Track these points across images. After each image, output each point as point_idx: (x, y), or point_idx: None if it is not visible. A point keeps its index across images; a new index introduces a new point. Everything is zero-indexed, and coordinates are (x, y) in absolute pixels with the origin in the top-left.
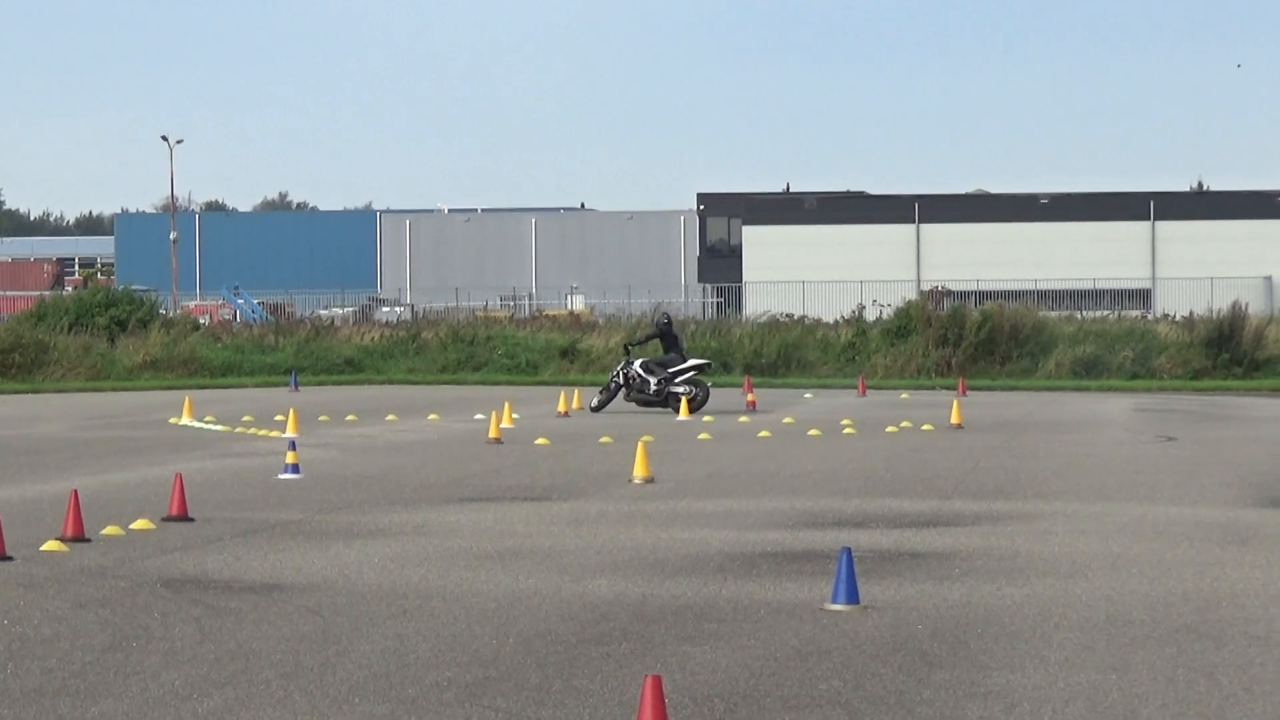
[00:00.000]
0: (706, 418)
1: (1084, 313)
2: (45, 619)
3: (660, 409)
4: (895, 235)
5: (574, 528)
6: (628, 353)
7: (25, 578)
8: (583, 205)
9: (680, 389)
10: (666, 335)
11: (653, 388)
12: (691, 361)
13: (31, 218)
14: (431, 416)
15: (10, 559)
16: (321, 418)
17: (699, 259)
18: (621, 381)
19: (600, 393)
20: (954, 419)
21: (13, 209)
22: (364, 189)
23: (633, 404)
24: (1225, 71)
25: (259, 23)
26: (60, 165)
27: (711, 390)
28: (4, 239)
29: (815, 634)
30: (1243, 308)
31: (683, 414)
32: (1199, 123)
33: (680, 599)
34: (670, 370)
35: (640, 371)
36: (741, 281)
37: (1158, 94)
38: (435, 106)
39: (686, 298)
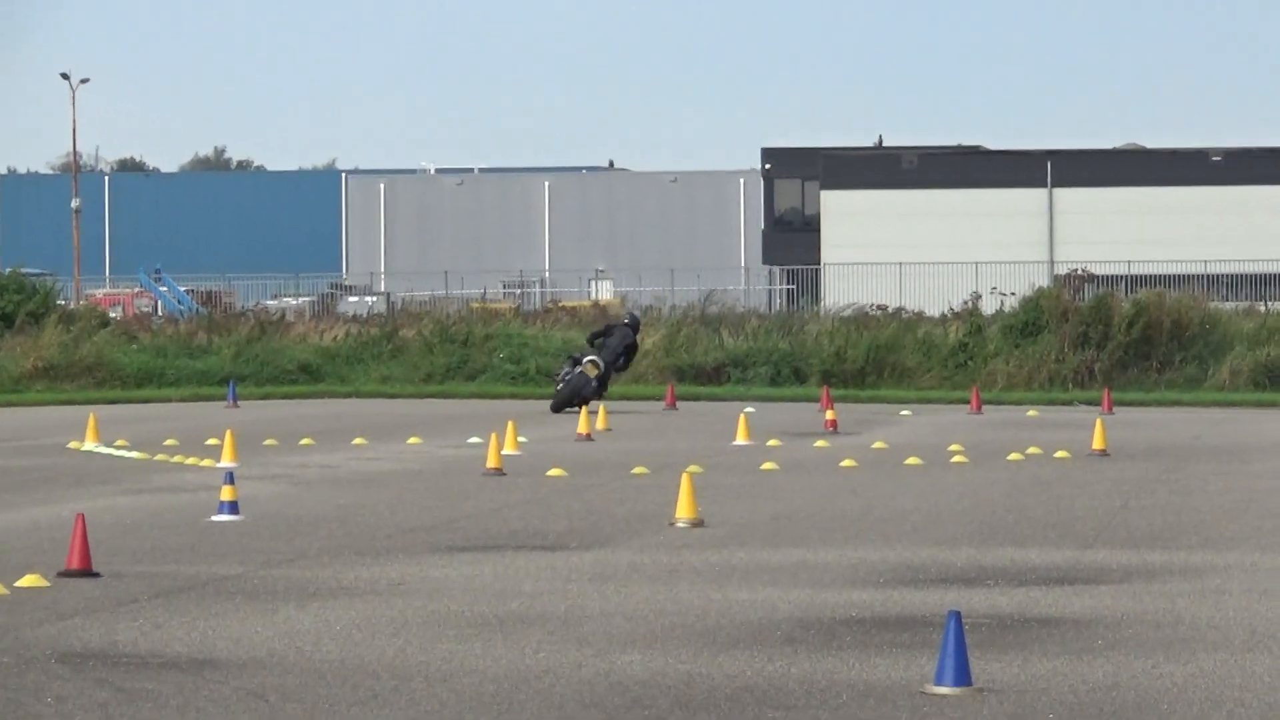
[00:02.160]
0: (773, 441)
1: (1270, 304)
2: None
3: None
4: (1021, 203)
5: (598, 585)
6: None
7: None
8: (611, 164)
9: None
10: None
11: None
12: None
13: None
14: (412, 440)
15: None
16: (268, 441)
17: (764, 233)
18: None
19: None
20: (1097, 443)
21: None
22: (326, 143)
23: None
24: None
25: None
26: None
27: (782, 404)
28: None
29: None
30: None
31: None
32: None
33: (737, 679)
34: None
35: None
36: (819, 263)
37: None
38: (418, 35)
39: (748, 283)
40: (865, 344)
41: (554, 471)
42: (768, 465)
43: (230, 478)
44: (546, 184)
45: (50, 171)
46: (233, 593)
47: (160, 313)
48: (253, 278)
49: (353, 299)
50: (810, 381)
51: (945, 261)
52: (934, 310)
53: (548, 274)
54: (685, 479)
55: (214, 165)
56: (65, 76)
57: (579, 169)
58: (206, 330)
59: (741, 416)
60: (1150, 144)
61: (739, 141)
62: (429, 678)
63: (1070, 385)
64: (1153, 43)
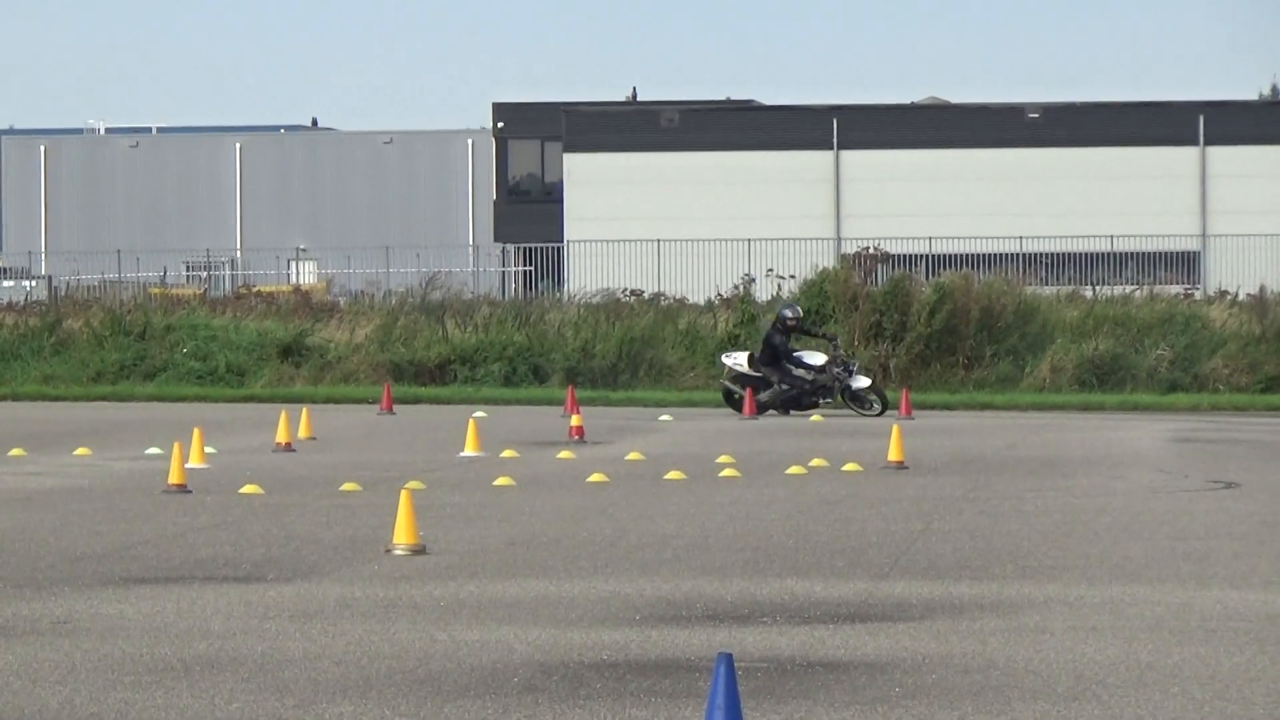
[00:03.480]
0: (508, 452)
1: (1097, 288)
2: None
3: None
4: (803, 168)
5: (301, 624)
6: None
7: None
8: (315, 123)
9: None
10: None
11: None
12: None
13: None
14: (80, 451)
15: None
16: None
17: (495, 204)
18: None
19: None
20: (893, 454)
21: None
22: None
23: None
24: None
25: None
26: None
27: (518, 408)
28: None
29: None
30: None
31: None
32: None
33: None
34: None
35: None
36: (561, 239)
37: None
38: None
39: (477, 264)
40: (617, 337)
41: (248, 488)
42: (502, 480)
43: None
44: (238, 145)
45: None
46: None
47: None
48: None
49: (7, 284)
50: (552, 381)
51: (712, 238)
52: (699, 296)
53: (239, 254)
54: (404, 497)
55: None
56: None
57: (276, 128)
58: None
59: (471, 422)
60: (954, 98)
61: (465, 96)
62: None
63: None
64: None
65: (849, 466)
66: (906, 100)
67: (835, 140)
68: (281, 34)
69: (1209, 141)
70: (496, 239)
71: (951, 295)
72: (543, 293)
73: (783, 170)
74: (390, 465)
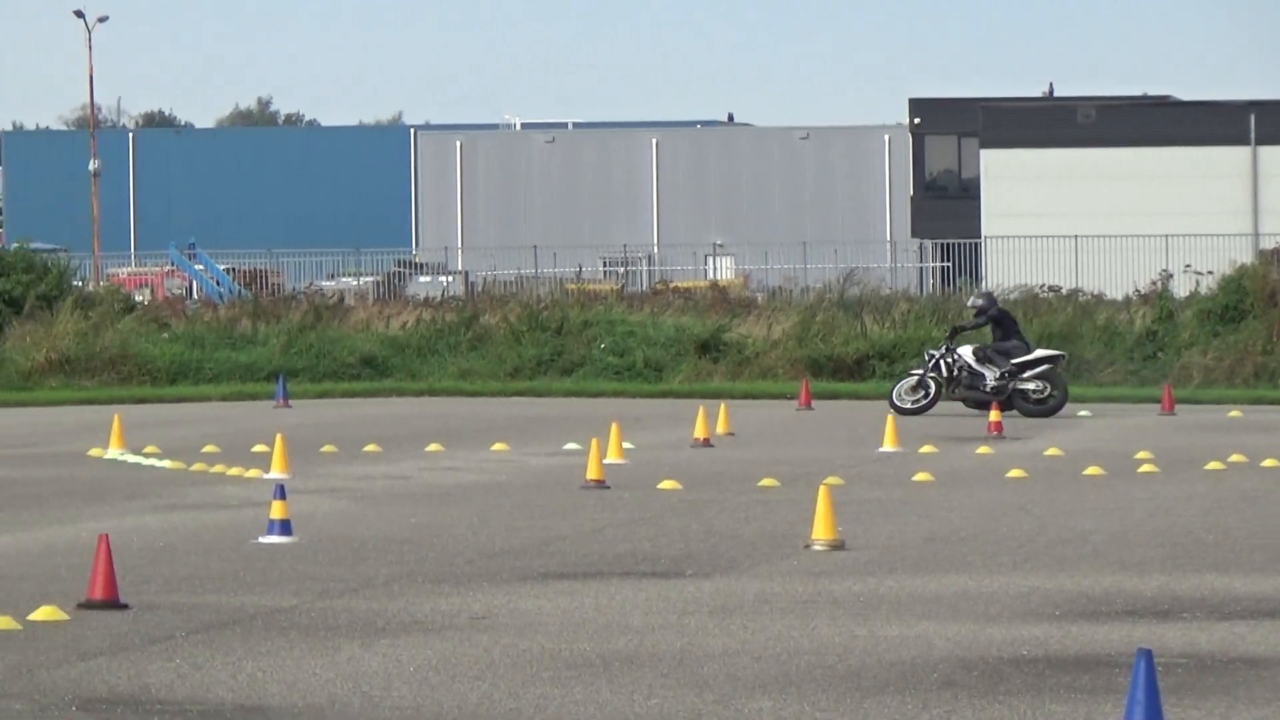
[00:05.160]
0: (926, 448)
1: None
2: None
3: (987, 410)
4: (1219, 163)
5: (720, 619)
6: (951, 338)
7: None
8: (730, 118)
9: (1030, 385)
10: (1003, 320)
11: (990, 382)
12: (1040, 352)
13: None
14: (497, 446)
15: None
16: (325, 448)
17: (912, 200)
18: (945, 373)
19: (913, 389)
20: None
21: None
22: (391, 94)
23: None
24: None
25: None
26: None
27: (936, 405)
28: None
29: None
30: None
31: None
32: None
33: None
34: (1015, 361)
35: (971, 361)
36: (979, 235)
37: None
38: None
39: (894, 260)
40: (1035, 332)
41: (666, 484)
42: (920, 476)
43: (281, 492)
44: (654, 141)
45: (64, 127)
46: (285, 628)
47: (196, 296)
48: (305, 254)
49: (424, 279)
50: None
51: (1129, 234)
52: (1116, 292)
53: (656, 249)
54: (823, 493)
55: (258, 120)
56: (80, 15)
57: (693, 124)
58: (251, 316)
59: (889, 418)
60: None
61: (882, 91)
62: None
63: None
64: None
65: (1268, 462)
66: None
67: (1252, 135)
68: (697, 30)
69: None
70: (913, 235)
71: None
72: (960, 289)
73: (1198, 165)
74: (809, 461)
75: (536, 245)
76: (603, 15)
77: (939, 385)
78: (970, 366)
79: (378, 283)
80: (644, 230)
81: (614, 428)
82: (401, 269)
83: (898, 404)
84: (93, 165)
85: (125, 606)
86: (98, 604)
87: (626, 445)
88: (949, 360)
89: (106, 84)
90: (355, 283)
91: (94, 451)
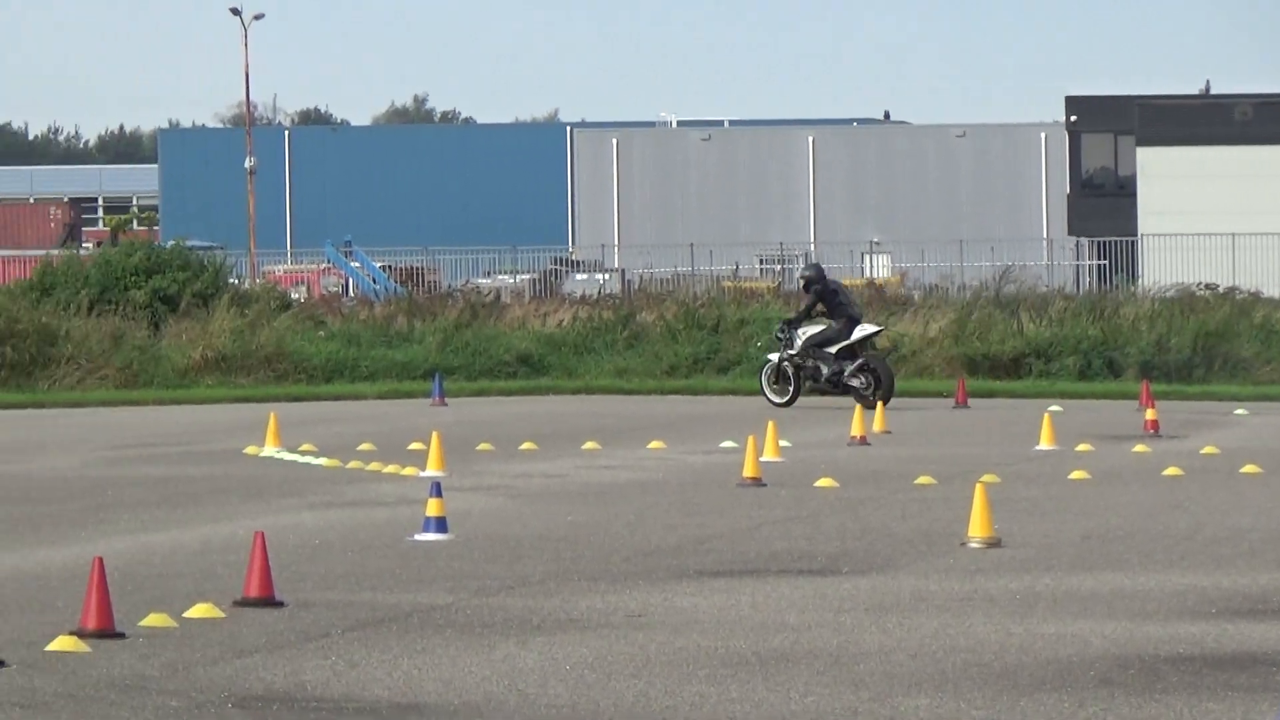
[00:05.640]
0: (1083, 446)
1: None
2: None
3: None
4: None
5: (876, 617)
6: (784, 330)
7: (24, 694)
8: (887, 116)
9: (855, 381)
10: (825, 296)
11: (825, 374)
12: (858, 333)
13: (31, 136)
14: (654, 444)
15: (2, 664)
16: (481, 446)
17: (1069, 198)
18: (793, 371)
19: (774, 380)
20: None
21: (2, 124)
22: (547, 92)
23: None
24: None
25: None
26: (71, 58)
27: (1092, 402)
28: None
29: None
30: None
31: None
32: None
33: None
34: (832, 350)
35: (806, 356)
36: (1135, 233)
37: None
38: None
39: (1051, 257)
40: (1192, 330)
41: (823, 482)
42: (1077, 474)
43: (437, 489)
44: (810, 139)
45: (220, 125)
46: (441, 626)
47: (352, 293)
48: (461, 251)
49: (580, 277)
50: (1126, 375)
51: None
52: (1274, 289)
53: (813, 247)
54: (979, 491)
55: (413, 118)
56: (236, 12)
57: (849, 121)
58: (407, 314)
59: (1046, 416)
60: None
61: (1039, 89)
62: None
63: None
64: None
65: None
66: None
67: None
68: (853, 28)
69: None
70: (1070, 233)
71: None
72: (1117, 286)
73: None
74: (965, 459)
75: (693, 243)
76: (759, 13)
77: (797, 379)
78: (805, 361)
79: (534, 280)
80: (800, 228)
81: (770, 426)
82: (558, 266)
83: (770, 399)
84: (249, 163)
85: (281, 604)
86: (253, 601)
87: (783, 443)
88: (793, 356)
89: (262, 82)
90: (511, 280)
91: (250, 449)
